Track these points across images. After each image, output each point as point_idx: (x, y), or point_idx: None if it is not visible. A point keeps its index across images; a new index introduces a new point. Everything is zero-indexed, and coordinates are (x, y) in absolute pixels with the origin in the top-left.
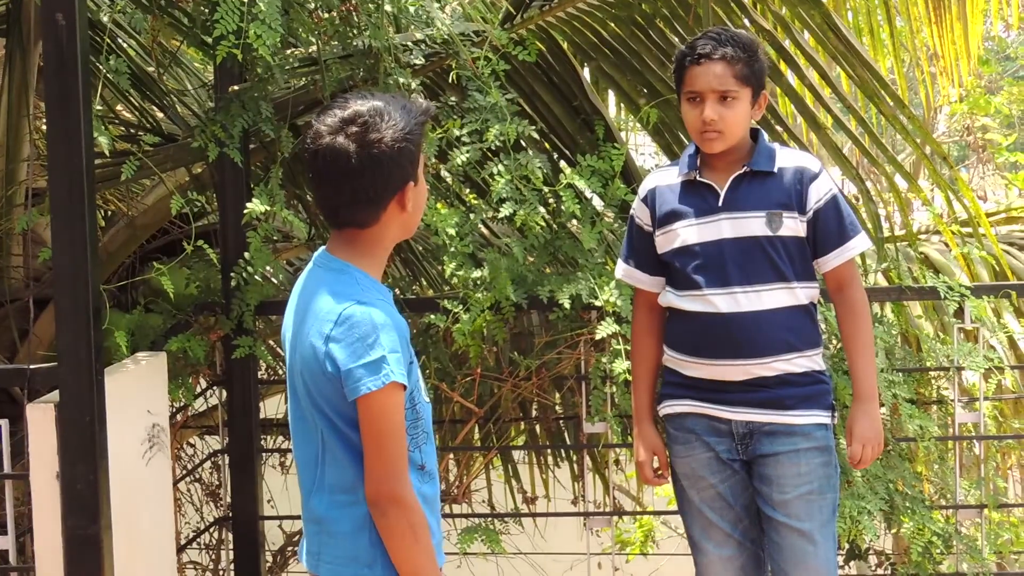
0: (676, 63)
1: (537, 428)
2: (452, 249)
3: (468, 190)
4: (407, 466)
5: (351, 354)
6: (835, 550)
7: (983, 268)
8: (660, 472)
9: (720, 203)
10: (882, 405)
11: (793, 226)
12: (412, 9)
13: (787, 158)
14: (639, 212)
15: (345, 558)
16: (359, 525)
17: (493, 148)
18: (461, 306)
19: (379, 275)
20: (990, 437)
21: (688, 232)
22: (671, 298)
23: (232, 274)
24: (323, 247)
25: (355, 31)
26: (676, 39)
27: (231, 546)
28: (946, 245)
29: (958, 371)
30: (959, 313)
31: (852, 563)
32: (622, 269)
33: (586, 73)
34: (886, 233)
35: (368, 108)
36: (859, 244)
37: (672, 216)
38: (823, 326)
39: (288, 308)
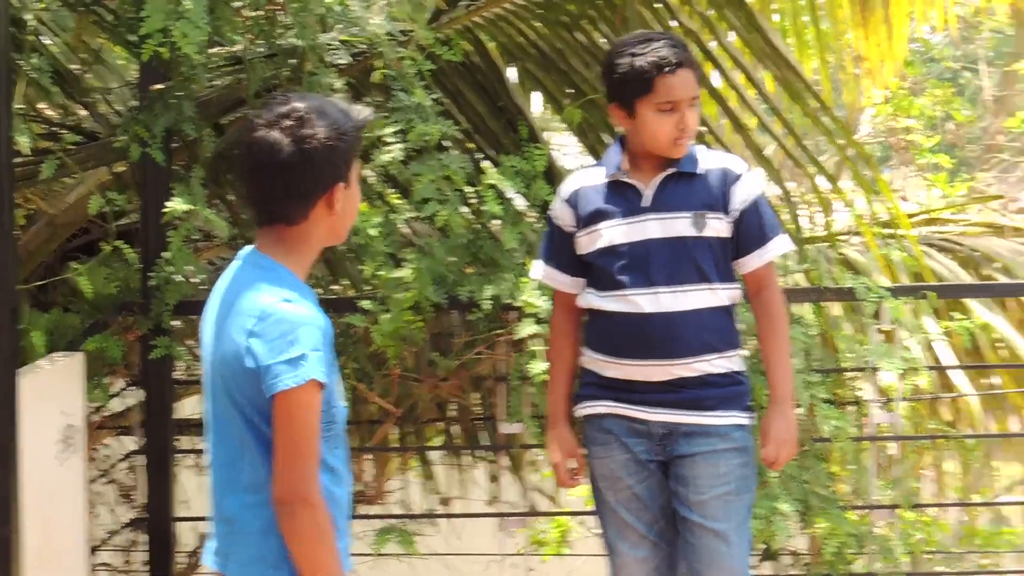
0: (637, 74)
1: (455, 429)
2: (373, 249)
3: (391, 190)
4: (318, 466)
5: (272, 350)
6: (748, 551)
7: (903, 269)
8: (576, 473)
9: (646, 204)
10: (799, 406)
11: (718, 227)
12: (338, 9)
13: (712, 159)
14: (560, 213)
15: (253, 558)
16: (270, 525)
17: (416, 148)
18: (381, 306)
19: (304, 275)
20: (905, 438)
21: (614, 232)
22: (592, 299)
23: (152, 273)
24: (251, 245)
25: (281, 30)
26: (602, 40)
27: (144, 547)
28: (867, 246)
29: (875, 372)
30: (877, 314)
31: (766, 563)
32: (541, 270)
33: (512, 73)
34: (807, 234)
35: (306, 105)
36: (780, 246)
37: (597, 216)
38: (741, 326)
39: (209, 305)
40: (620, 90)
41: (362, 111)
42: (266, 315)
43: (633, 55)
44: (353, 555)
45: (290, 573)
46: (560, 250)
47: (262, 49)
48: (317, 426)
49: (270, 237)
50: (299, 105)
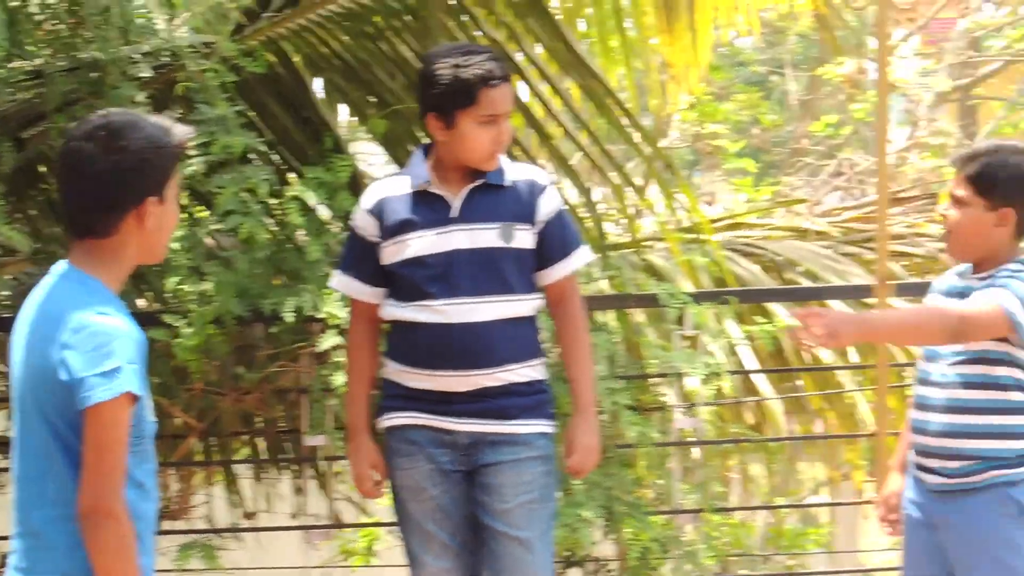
0: (462, 85)
1: (260, 442)
2: (175, 262)
3: (194, 202)
4: (124, 480)
5: (86, 362)
6: (552, 558)
7: (706, 274)
8: (378, 484)
9: (454, 215)
10: (603, 412)
11: (524, 238)
12: (140, 21)
13: (518, 171)
14: (363, 223)
15: (58, 573)
16: (77, 540)
17: (220, 160)
18: (183, 320)
19: (118, 289)
20: (708, 442)
21: (421, 243)
22: (395, 310)
23: None
24: (65, 260)
25: (82, 43)
26: (406, 51)
27: None
28: (671, 252)
29: (679, 377)
30: (681, 320)
31: (571, 570)
32: (340, 280)
33: (317, 85)
34: (613, 240)
35: (121, 119)
36: (581, 258)
37: (404, 226)
38: (543, 335)
39: (20, 320)
40: (440, 101)
41: (182, 129)
42: (80, 328)
43: (457, 67)
44: (157, 571)
45: None
46: (361, 260)
47: (63, 63)
48: (126, 440)
49: (82, 250)
50: (115, 119)
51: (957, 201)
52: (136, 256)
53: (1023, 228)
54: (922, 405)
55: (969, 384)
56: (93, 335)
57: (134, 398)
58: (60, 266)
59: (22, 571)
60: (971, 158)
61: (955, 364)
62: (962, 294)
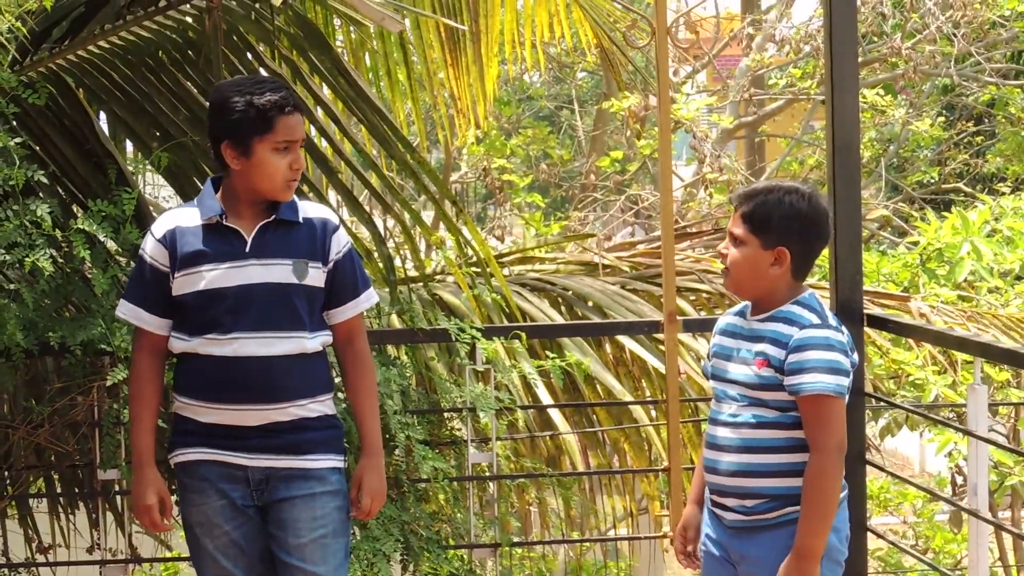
0: (259, 112)
1: (53, 475)
2: None
3: None
4: None
5: None
6: None
7: (494, 310)
8: (165, 516)
9: (248, 249)
10: (397, 447)
11: (316, 276)
12: None
13: (310, 209)
14: (154, 252)
15: None
16: None
17: (2, 192)
18: None
19: None
20: (502, 477)
21: (214, 276)
22: (183, 343)
23: None
24: None
25: None
26: (188, 83)
27: None
28: (460, 287)
29: (471, 412)
30: (472, 354)
31: None
32: (127, 308)
33: (101, 117)
34: (402, 275)
35: None
36: (369, 298)
37: (196, 258)
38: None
39: None
40: (236, 129)
41: None
42: None
43: (251, 94)
44: None
45: None
46: (149, 289)
47: None
48: None
49: None
50: None
51: (734, 239)
52: None
53: (799, 268)
54: (713, 445)
55: (759, 424)
56: None
57: None
58: None
59: None
60: (748, 196)
61: (745, 406)
62: (744, 336)
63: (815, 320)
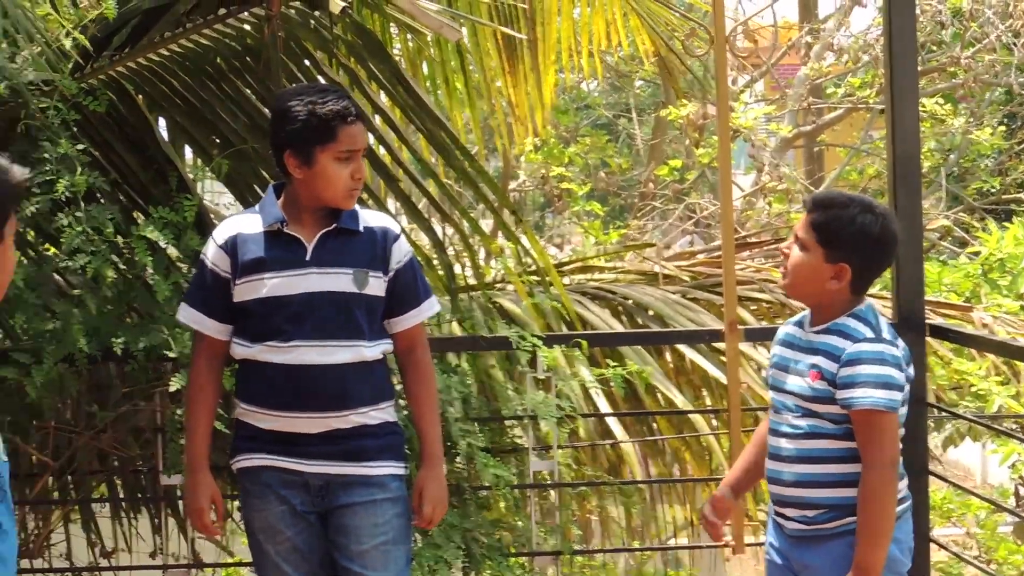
0: (321, 122)
1: (116, 480)
2: (23, 300)
3: (40, 240)
4: None
5: None
6: None
7: (556, 318)
8: (216, 522)
9: (309, 257)
10: (458, 455)
11: (377, 285)
12: None
13: (371, 218)
14: (216, 258)
15: None
16: None
17: (64, 199)
18: (33, 358)
19: None
20: (564, 485)
21: (275, 283)
22: (244, 349)
23: None
24: None
25: None
26: (248, 91)
27: None
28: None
29: (533, 420)
30: (533, 362)
31: None
32: (187, 313)
33: (162, 124)
34: (462, 283)
35: None
36: (431, 307)
37: (258, 265)
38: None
39: None
40: (298, 138)
41: (19, 170)
42: None
43: (314, 103)
44: None
45: None
46: (211, 295)
47: None
48: None
49: None
50: None
51: (800, 242)
52: None
53: (858, 285)
54: (774, 455)
55: (815, 435)
56: None
57: None
58: None
59: None
60: (822, 205)
61: (801, 417)
62: (800, 347)
63: (869, 334)
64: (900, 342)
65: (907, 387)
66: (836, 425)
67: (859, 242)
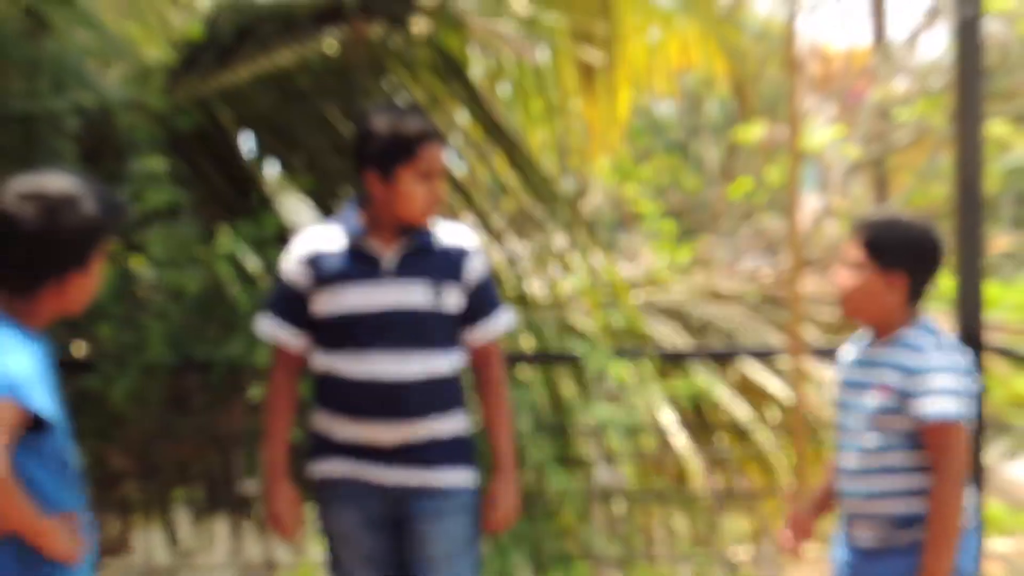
0: (403, 141)
1: (196, 485)
2: (109, 311)
3: (127, 252)
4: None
5: None
6: None
7: (624, 333)
8: (295, 526)
9: (385, 271)
10: (528, 465)
11: (453, 299)
12: (71, 76)
13: (448, 233)
14: (295, 272)
15: None
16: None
17: (151, 213)
18: (117, 368)
19: (34, 328)
20: (630, 494)
21: (354, 296)
22: (324, 360)
23: None
24: None
25: (13, 95)
26: (331, 110)
27: None
28: (591, 312)
29: (601, 432)
30: (602, 376)
31: None
32: (268, 325)
33: (246, 142)
34: (534, 299)
35: (57, 191)
36: (505, 321)
37: (336, 278)
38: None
39: None
40: (381, 156)
41: (120, 204)
42: None
43: (396, 124)
44: None
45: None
46: (290, 307)
47: None
48: (5, 432)
49: (1, 296)
50: (52, 188)
51: (852, 264)
52: (53, 312)
53: (914, 293)
54: (843, 471)
55: (883, 450)
56: None
57: (22, 410)
58: None
59: None
60: (867, 225)
61: (869, 432)
62: (865, 364)
63: (935, 345)
64: (964, 352)
65: (974, 397)
66: (906, 438)
67: (908, 249)
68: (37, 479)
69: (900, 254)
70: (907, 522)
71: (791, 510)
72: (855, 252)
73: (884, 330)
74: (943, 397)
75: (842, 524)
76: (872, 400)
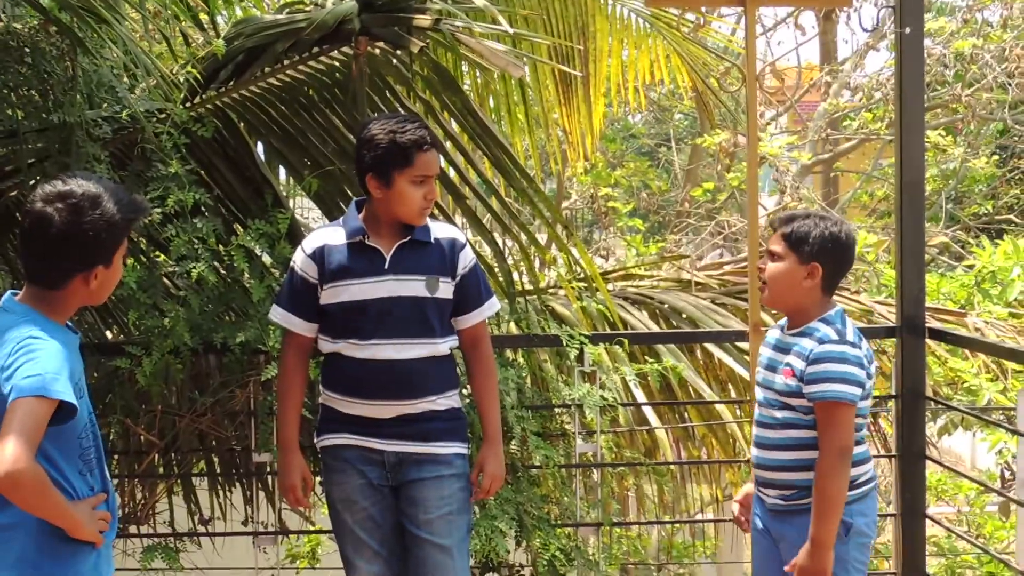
0: (400, 149)
1: (214, 457)
2: (136, 299)
3: (152, 248)
4: (29, 454)
5: (17, 370)
6: (468, 563)
7: (601, 320)
8: (306, 495)
9: (387, 266)
10: (513, 438)
11: (446, 289)
12: (103, 90)
13: (440, 230)
14: (304, 266)
15: (15, 558)
16: (25, 530)
17: (173, 212)
18: (143, 350)
19: (63, 321)
20: (605, 465)
21: (357, 288)
22: (330, 344)
23: None
24: (9, 292)
25: (51, 107)
26: (335, 119)
27: None
28: (569, 299)
29: (579, 408)
30: (580, 358)
31: (488, 575)
32: (279, 314)
33: (259, 148)
34: (519, 288)
35: (84, 191)
36: (492, 306)
37: (342, 273)
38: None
39: None
40: (380, 162)
41: (139, 203)
42: (15, 349)
43: (394, 132)
44: (124, 569)
45: (51, 566)
46: (300, 298)
47: (35, 124)
48: (36, 427)
49: (31, 291)
50: (77, 190)
51: (773, 255)
52: (79, 304)
53: (829, 283)
54: (757, 443)
55: (789, 426)
56: (24, 352)
57: (53, 403)
58: (4, 299)
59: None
60: (789, 220)
61: (778, 409)
62: (779, 348)
63: (833, 336)
64: (864, 344)
65: (869, 383)
66: (807, 416)
67: (825, 243)
68: (59, 465)
69: (818, 248)
70: (807, 489)
71: (742, 486)
72: (778, 245)
73: (798, 318)
74: (831, 382)
75: (756, 487)
76: (780, 380)
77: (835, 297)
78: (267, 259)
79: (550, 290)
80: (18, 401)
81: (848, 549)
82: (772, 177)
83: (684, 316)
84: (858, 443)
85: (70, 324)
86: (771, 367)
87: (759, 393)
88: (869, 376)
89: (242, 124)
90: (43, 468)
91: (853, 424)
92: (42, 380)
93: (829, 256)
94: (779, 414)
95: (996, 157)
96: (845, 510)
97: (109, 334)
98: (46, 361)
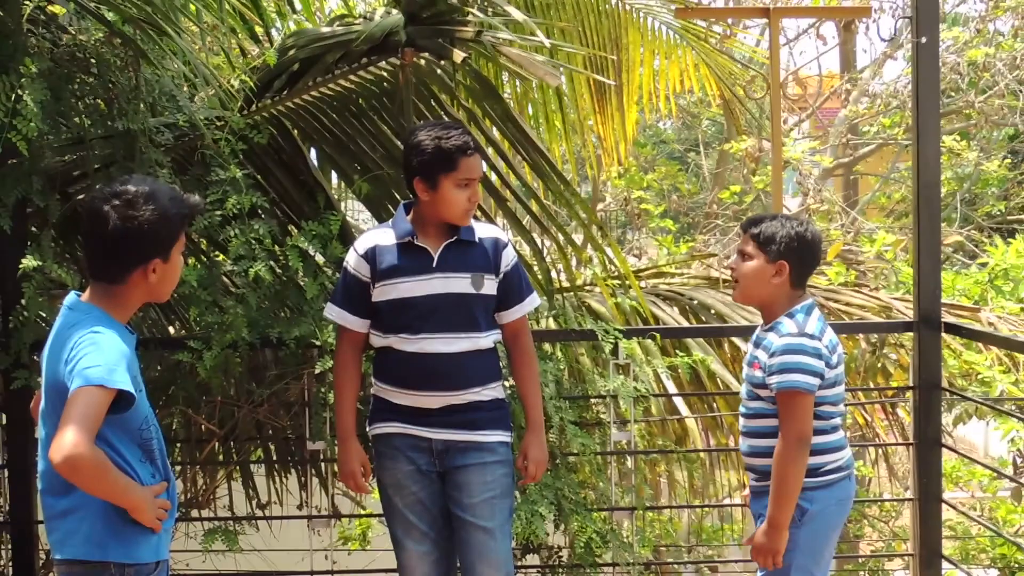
0: (445, 154)
1: (270, 445)
2: (197, 297)
3: (212, 248)
4: (88, 440)
5: (79, 362)
6: (511, 545)
7: (634, 315)
8: (364, 481)
9: (435, 265)
10: (552, 427)
11: (490, 286)
12: (165, 99)
13: (483, 230)
14: (357, 265)
15: (84, 538)
16: (92, 512)
17: (231, 215)
18: (204, 345)
19: (124, 319)
20: (638, 452)
21: (408, 286)
22: (382, 339)
23: (10, 318)
24: (74, 292)
25: (116, 115)
26: (384, 126)
27: (10, 546)
28: (604, 296)
29: (614, 399)
30: (614, 351)
31: (529, 556)
32: (334, 311)
33: (312, 153)
34: (556, 286)
35: (138, 189)
36: (533, 302)
37: (393, 272)
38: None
39: (47, 343)
40: (426, 167)
41: (192, 199)
42: (77, 344)
43: (439, 138)
44: (186, 551)
45: (116, 549)
46: (353, 296)
47: (101, 131)
48: (95, 414)
49: (95, 289)
50: (131, 188)
51: (744, 255)
52: (141, 299)
53: (797, 279)
54: (742, 432)
55: (761, 415)
56: (86, 344)
57: (111, 392)
58: (69, 298)
59: (58, 543)
60: (757, 221)
61: (752, 400)
62: (754, 343)
63: (793, 329)
64: (827, 336)
65: (831, 372)
66: (772, 406)
67: (792, 242)
68: (120, 451)
69: (785, 246)
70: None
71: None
72: (748, 245)
73: (769, 313)
74: (788, 372)
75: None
76: (752, 373)
77: (854, 294)
78: (320, 259)
79: (586, 287)
80: (79, 390)
81: (800, 532)
82: (795, 180)
83: (712, 312)
84: (828, 432)
85: (129, 326)
86: (748, 361)
87: (743, 386)
88: (830, 366)
89: (296, 131)
90: (104, 453)
91: (811, 412)
92: (101, 370)
93: (795, 254)
94: (752, 404)
95: (1008, 160)
96: (804, 495)
97: (172, 330)
98: (106, 352)
